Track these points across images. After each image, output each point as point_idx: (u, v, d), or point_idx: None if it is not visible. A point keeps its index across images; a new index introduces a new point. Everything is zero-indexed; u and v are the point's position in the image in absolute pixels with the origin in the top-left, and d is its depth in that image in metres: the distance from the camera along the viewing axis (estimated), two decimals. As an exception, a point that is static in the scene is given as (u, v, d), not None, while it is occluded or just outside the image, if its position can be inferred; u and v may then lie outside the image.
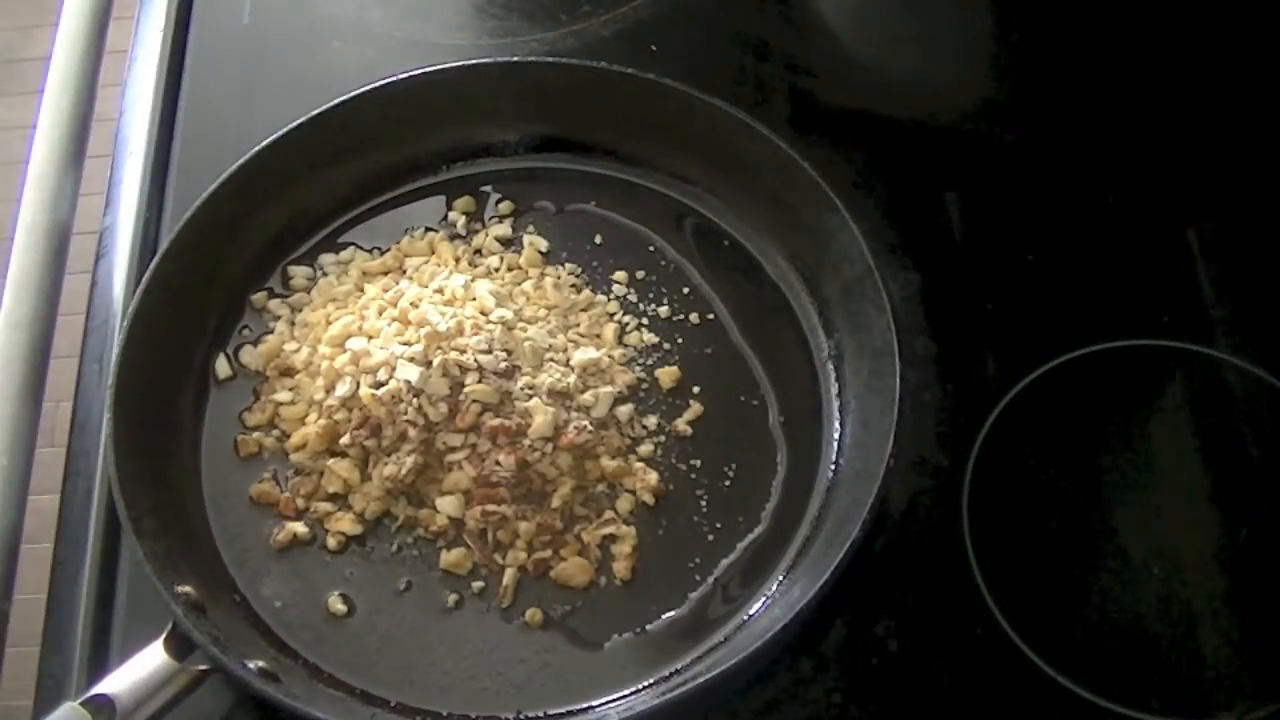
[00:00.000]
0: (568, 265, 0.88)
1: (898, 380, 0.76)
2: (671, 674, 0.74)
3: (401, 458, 0.78)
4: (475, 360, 0.79)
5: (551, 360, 0.82)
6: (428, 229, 0.90)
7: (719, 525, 0.79)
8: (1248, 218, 0.91)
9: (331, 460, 0.80)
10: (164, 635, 0.71)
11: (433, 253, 0.89)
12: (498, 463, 0.78)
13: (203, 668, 0.71)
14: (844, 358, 0.83)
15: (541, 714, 0.74)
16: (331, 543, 0.79)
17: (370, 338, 0.82)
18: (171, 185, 0.94)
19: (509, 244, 0.90)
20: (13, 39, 2.26)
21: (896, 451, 0.74)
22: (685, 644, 0.75)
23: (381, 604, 0.77)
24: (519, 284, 0.87)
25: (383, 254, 0.89)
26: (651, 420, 0.83)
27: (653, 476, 0.80)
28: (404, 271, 0.88)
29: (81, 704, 0.68)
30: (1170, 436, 0.82)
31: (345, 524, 0.79)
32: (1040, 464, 0.81)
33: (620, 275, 0.88)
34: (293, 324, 0.86)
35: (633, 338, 0.86)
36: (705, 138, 0.88)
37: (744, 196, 0.89)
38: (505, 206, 0.91)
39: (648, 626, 0.76)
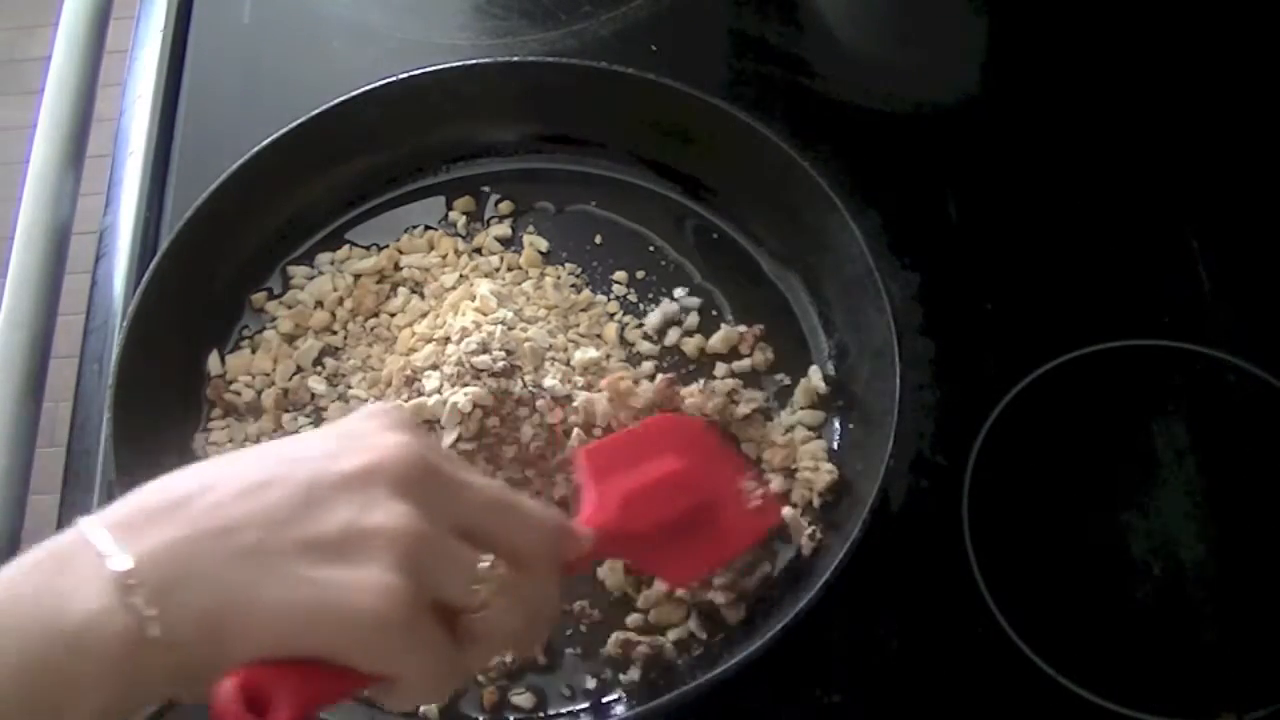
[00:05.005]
0: (568, 265, 0.88)
1: (898, 380, 0.76)
2: (672, 674, 0.74)
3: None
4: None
5: (552, 360, 0.82)
6: (428, 228, 0.90)
7: (719, 525, 0.79)
8: (1248, 218, 0.91)
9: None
10: (164, 635, 0.71)
11: (431, 249, 0.89)
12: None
13: (203, 668, 0.71)
14: (844, 358, 0.83)
15: (541, 714, 0.73)
16: (331, 543, 0.79)
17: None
18: (171, 185, 0.94)
19: (509, 244, 0.90)
20: (13, 39, 2.26)
21: (896, 451, 0.75)
22: (685, 644, 0.76)
23: (381, 604, 0.77)
24: (519, 284, 0.87)
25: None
26: (651, 420, 0.83)
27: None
28: (398, 268, 0.88)
29: (82, 704, 0.68)
30: (1170, 436, 0.82)
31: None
32: (1040, 464, 0.81)
33: (620, 275, 0.88)
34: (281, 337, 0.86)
35: (633, 336, 0.86)
36: (705, 138, 0.88)
37: (744, 196, 0.89)
38: (505, 206, 0.91)
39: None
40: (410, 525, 0.51)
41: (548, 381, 0.79)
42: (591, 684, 0.74)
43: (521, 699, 0.73)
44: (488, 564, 0.55)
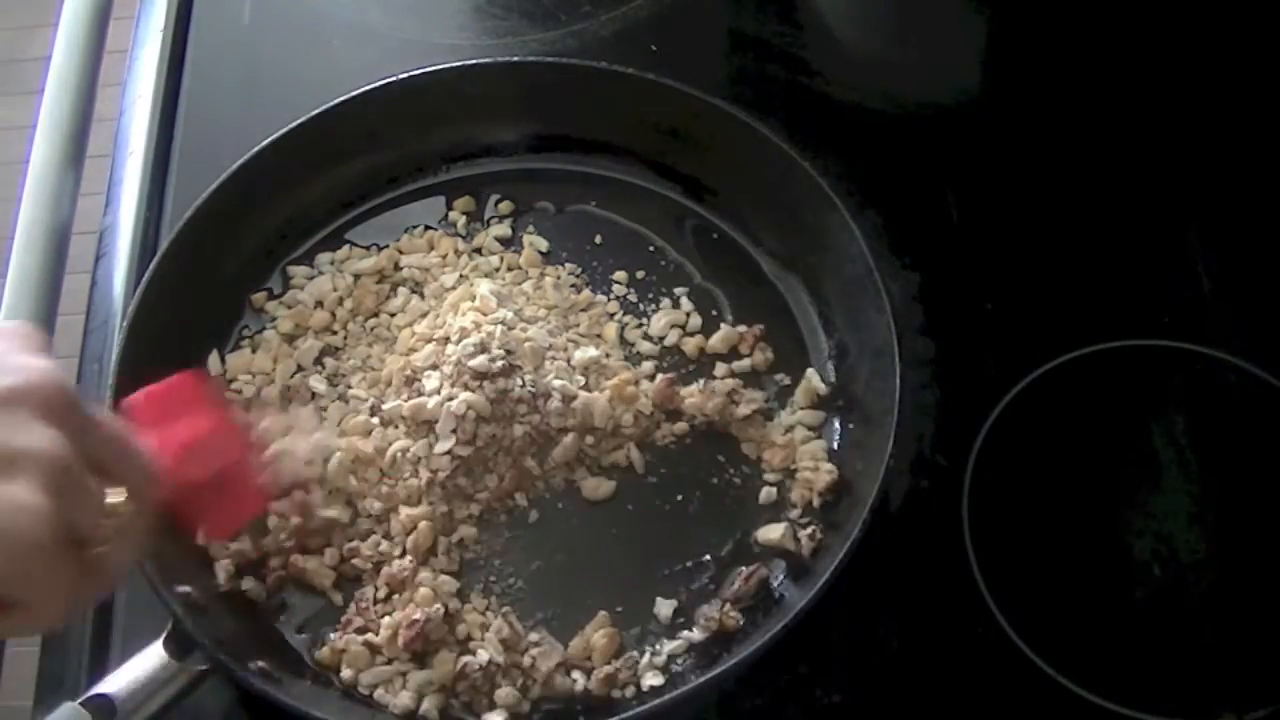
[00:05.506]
0: (568, 265, 0.88)
1: (898, 380, 0.76)
2: (672, 674, 0.74)
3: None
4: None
5: (552, 359, 0.82)
6: (427, 228, 0.90)
7: (719, 525, 0.79)
8: (1248, 217, 0.91)
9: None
10: (164, 635, 0.71)
11: (431, 249, 0.89)
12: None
13: (203, 668, 0.71)
14: (844, 358, 0.83)
15: (540, 711, 0.74)
16: (331, 542, 0.79)
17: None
18: (171, 185, 0.94)
19: (509, 244, 0.90)
20: (13, 39, 2.26)
21: (896, 451, 0.75)
22: (685, 644, 0.76)
23: (381, 604, 0.77)
24: (519, 284, 0.87)
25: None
26: (652, 420, 0.83)
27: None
28: (398, 268, 0.88)
29: (81, 704, 0.68)
30: (1170, 436, 0.82)
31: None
32: (1040, 464, 0.81)
33: (620, 275, 0.88)
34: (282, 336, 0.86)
35: (633, 336, 0.86)
36: (705, 138, 0.88)
37: (744, 196, 0.89)
38: (505, 206, 0.91)
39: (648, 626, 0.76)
40: (58, 450, 0.52)
41: (556, 382, 0.79)
42: (591, 684, 0.74)
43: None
44: (118, 500, 0.57)
